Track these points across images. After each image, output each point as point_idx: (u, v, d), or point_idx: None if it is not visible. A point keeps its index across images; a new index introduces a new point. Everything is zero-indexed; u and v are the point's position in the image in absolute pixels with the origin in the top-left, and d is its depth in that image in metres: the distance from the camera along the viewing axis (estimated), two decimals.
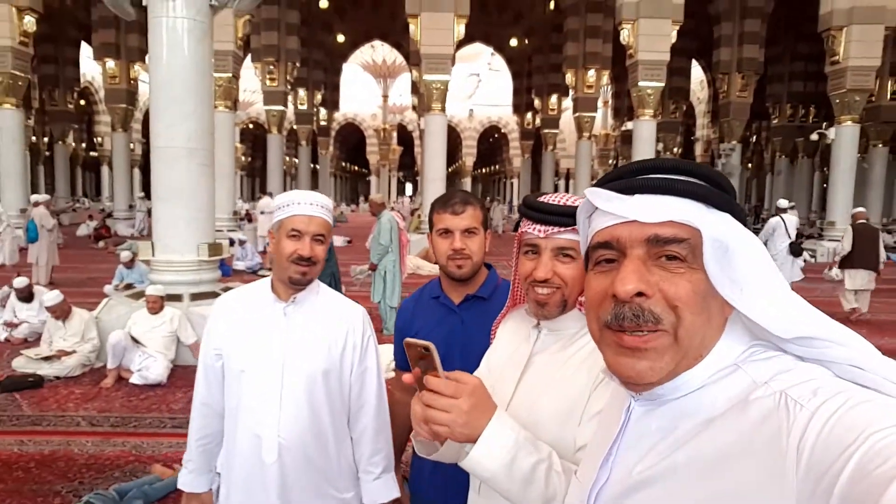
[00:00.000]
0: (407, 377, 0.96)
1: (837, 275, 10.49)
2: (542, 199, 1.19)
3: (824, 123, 19.03)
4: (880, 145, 17.75)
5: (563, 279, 1.15)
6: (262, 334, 1.60)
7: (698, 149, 26.35)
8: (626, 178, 0.71)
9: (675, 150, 22.25)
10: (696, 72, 24.04)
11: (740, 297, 0.65)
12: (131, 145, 22.97)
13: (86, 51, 20.86)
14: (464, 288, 1.73)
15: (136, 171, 28.03)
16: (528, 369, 1.21)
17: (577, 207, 1.06)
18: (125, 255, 7.69)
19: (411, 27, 12.61)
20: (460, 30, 12.28)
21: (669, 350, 0.65)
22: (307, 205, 1.58)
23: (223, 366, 1.61)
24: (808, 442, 0.54)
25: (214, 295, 5.65)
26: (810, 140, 20.87)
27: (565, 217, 1.14)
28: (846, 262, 7.99)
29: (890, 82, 17.06)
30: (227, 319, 1.62)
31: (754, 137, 27.55)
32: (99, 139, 28.78)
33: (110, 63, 16.95)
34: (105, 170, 28.73)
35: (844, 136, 13.47)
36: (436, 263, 1.77)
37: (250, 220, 14.44)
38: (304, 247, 1.56)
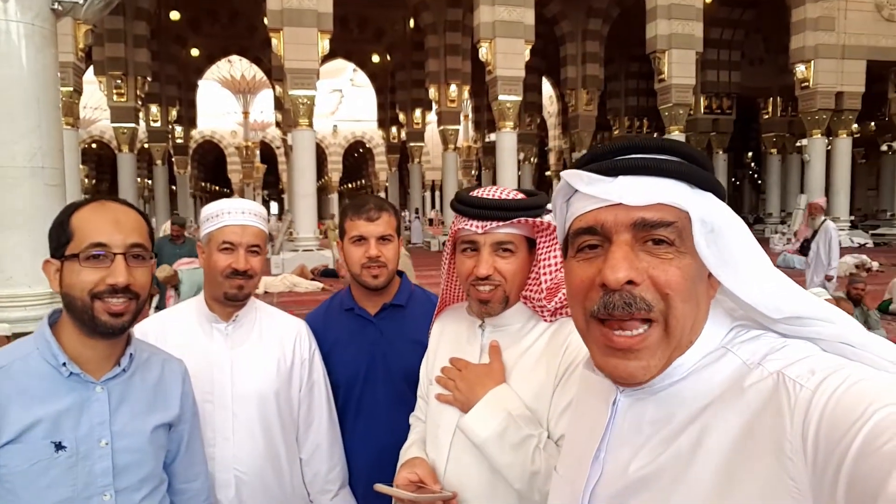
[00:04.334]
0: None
1: None
2: (475, 193, 1.16)
3: (656, 134, 21.59)
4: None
5: (503, 275, 1.13)
6: (205, 360, 1.45)
7: (552, 158, 28.48)
8: (607, 158, 0.68)
9: (533, 159, 23.91)
10: (546, 88, 26.05)
11: (733, 279, 0.64)
12: None
13: None
14: (379, 297, 1.66)
15: None
16: None
17: (513, 200, 1.12)
18: None
19: (274, 42, 12.33)
20: (324, 45, 12.25)
21: (661, 344, 0.63)
22: (239, 213, 1.47)
23: None
24: (811, 422, 0.53)
25: None
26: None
27: (502, 210, 1.12)
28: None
29: (702, 99, 19.84)
30: None
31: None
32: None
33: None
34: None
35: None
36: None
37: None
38: (239, 259, 1.44)
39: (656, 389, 0.66)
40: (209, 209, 1.52)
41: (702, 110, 20.04)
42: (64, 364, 1.06)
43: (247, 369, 1.50)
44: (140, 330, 1.47)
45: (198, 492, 1.31)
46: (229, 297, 1.47)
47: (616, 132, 24.76)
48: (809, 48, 15.01)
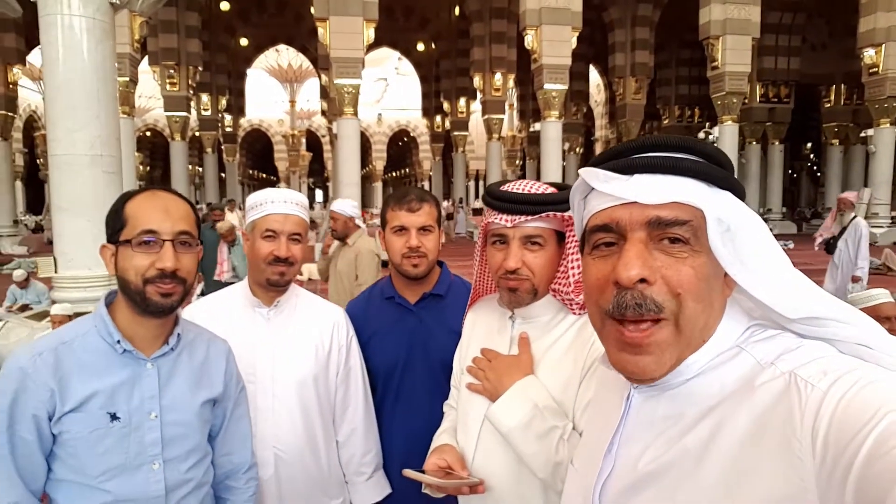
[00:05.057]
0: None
1: None
2: (504, 187, 1.18)
3: (707, 123, 20.85)
4: (754, 143, 19.69)
5: (531, 269, 1.15)
6: (248, 343, 1.51)
7: (598, 148, 27.90)
8: (623, 156, 0.67)
9: (578, 149, 23.44)
10: (593, 76, 25.46)
11: (749, 278, 0.63)
12: (13, 155, 20.87)
13: None
14: (419, 286, 1.70)
15: (19, 184, 25.56)
16: None
17: (542, 195, 1.14)
18: (19, 273, 7.01)
19: (320, 31, 12.46)
20: (370, 34, 12.29)
21: (672, 342, 0.63)
22: (282, 203, 1.52)
23: None
24: (822, 423, 0.52)
25: None
26: (697, 139, 22.84)
27: (531, 205, 1.13)
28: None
29: (758, 87, 19.01)
30: None
31: None
32: None
33: None
34: None
35: (726, 135, 14.81)
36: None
37: None
38: (281, 247, 1.50)
39: (669, 386, 0.66)
40: (254, 198, 1.58)
41: (757, 99, 19.18)
42: (118, 341, 1.15)
43: (287, 354, 1.55)
44: (188, 313, 1.55)
45: (238, 465, 1.37)
46: (271, 282, 1.53)
47: (666, 122, 24.03)
48: (881, 30, 14.07)
